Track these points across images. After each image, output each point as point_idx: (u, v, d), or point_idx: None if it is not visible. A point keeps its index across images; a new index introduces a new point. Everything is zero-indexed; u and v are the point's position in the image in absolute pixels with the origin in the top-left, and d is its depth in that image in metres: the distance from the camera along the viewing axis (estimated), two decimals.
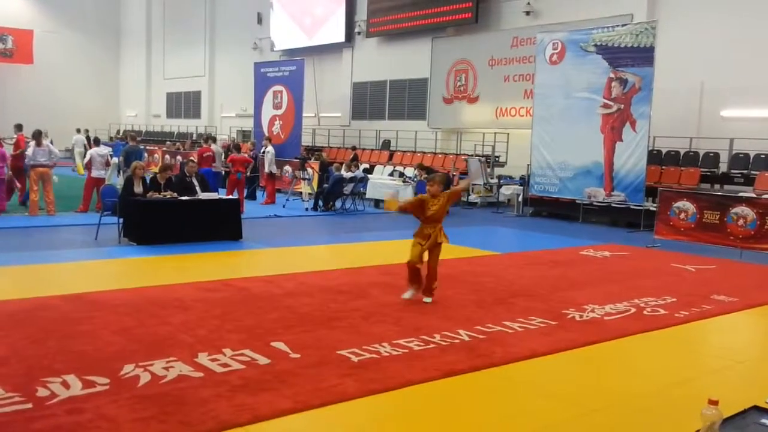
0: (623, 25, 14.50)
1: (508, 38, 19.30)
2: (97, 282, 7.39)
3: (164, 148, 25.28)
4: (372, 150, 22.94)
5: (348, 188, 15.78)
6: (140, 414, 3.83)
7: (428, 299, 6.83)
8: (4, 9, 33.96)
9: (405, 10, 22.13)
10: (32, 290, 6.73)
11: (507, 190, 17.35)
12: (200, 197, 10.71)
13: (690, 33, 15.41)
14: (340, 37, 24.78)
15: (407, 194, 15.97)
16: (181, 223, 10.16)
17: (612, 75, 14.36)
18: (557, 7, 18.20)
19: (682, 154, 15.35)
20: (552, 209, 16.08)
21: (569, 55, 15.16)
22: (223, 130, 30.64)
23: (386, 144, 23.10)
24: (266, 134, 20.79)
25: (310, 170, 17.20)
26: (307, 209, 15.72)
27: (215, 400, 4.07)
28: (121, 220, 10.12)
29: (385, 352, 5.14)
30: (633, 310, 6.87)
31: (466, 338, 5.59)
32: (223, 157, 18.16)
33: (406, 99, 23.24)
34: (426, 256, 6.85)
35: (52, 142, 14.44)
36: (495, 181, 18.26)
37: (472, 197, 18.20)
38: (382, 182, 17.28)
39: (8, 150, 14.33)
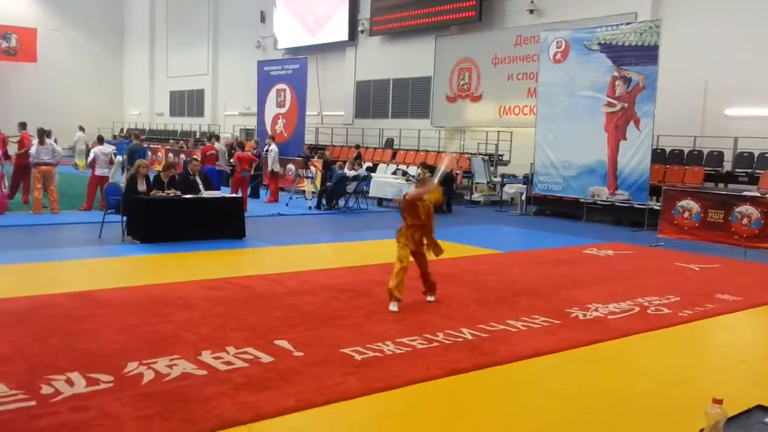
0: (627, 24, 14.46)
1: (512, 36, 19.27)
2: (101, 280, 7.41)
3: (167, 147, 25.31)
4: (375, 148, 22.93)
5: (351, 187, 15.77)
6: (144, 412, 3.84)
7: (432, 298, 6.81)
8: (7, 7, 34.03)
9: (408, 8, 22.11)
10: (36, 288, 6.75)
11: (510, 189, 17.33)
12: (203, 195, 10.71)
13: (694, 31, 15.36)
14: (344, 35, 24.78)
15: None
16: (184, 222, 10.17)
17: (616, 73, 14.32)
18: (561, 6, 18.17)
19: (686, 153, 15.31)
20: (555, 208, 16.05)
21: (573, 53, 15.13)
22: (226, 128, 30.66)
23: (389, 142, 23.09)
24: (269, 133, 20.80)
25: (313, 169, 17.20)
26: (310, 208, 15.71)
27: (218, 398, 4.07)
28: (125, 218, 10.13)
29: (388, 350, 5.14)
30: (637, 309, 6.86)
31: (470, 337, 5.59)
32: (226, 155, 18.18)
33: (409, 97, 23.23)
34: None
35: (56, 141, 14.47)
36: (498, 179, 18.24)
37: (476, 196, 18.19)
38: (385, 181, 17.26)
39: (13, 148, 14.36)
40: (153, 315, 5.90)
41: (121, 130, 32.28)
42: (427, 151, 20.97)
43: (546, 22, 17.91)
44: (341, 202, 15.91)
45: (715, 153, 14.85)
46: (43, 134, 12.89)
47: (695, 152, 15.19)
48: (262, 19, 28.89)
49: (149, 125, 35.69)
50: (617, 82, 14.31)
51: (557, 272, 8.79)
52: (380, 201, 17.11)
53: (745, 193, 11.78)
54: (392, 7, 22.71)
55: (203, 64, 32.74)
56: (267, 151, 17.27)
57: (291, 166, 19.03)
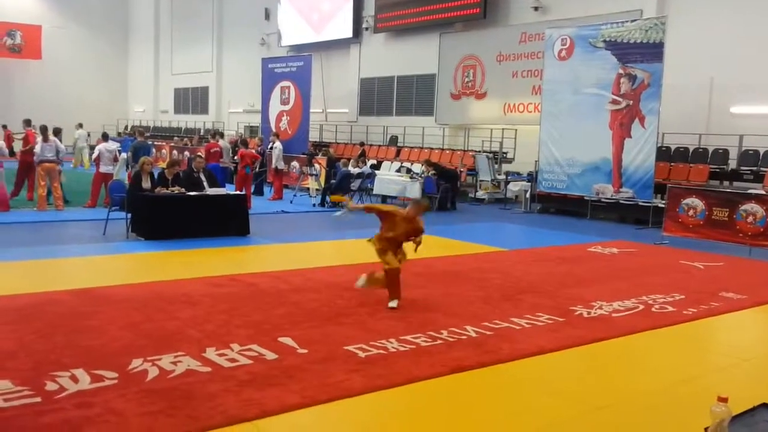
0: (632, 21, 14.41)
1: (517, 34, 19.23)
2: (105, 277, 7.43)
3: (172, 144, 25.34)
4: (379, 146, 22.92)
5: (355, 184, 15.77)
6: (148, 408, 3.85)
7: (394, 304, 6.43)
8: (12, 4, 34.11)
9: (413, 5, 22.08)
10: (40, 285, 6.76)
11: (515, 187, 17.30)
12: (208, 193, 10.72)
13: (700, 29, 15.31)
14: (348, 32, 24.76)
15: (415, 190, 15.98)
16: (188, 219, 10.19)
17: (621, 71, 14.28)
18: (566, 3, 18.13)
19: (691, 151, 15.26)
20: (560, 206, 16.03)
21: (578, 50, 15.09)
22: (230, 125, 30.69)
23: (394, 140, 23.08)
24: (273, 130, 20.81)
25: (317, 166, 17.20)
26: (314, 205, 15.72)
27: (223, 395, 4.08)
28: (129, 215, 10.15)
29: (392, 347, 5.14)
30: (641, 307, 6.85)
31: (473, 334, 5.59)
32: (230, 152, 18.19)
33: (413, 95, 23.22)
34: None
35: (61, 139, 14.51)
36: (503, 177, 18.22)
37: (480, 194, 18.17)
38: (389, 178, 17.26)
39: (17, 145, 14.39)
40: (157, 312, 5.91)
41: (126, 127, 32.33)
42: (432, 148, 20.95)
43: (551, 20, 17.86)
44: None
45: (720, 151, 14.80)
46: (47, 131, 12.92)
47: (700, 150, 15.15)
48: (267, 16, 28.89)
49: (153, 122, 35.74)
50: (622, 80, 14.26)
51: (561, 270, 8.78)
52: (384, 198, 17.09)
53: (750, 191, 11.75)
54: (396, 4, 22.69)
55: (208, 62, 32.77)
56: (271, 148, 17.28)
57: (295, 164, 19.04)
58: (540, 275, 8.32)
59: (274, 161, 16.98)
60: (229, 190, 12.75)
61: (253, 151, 18.03)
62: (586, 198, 15.16)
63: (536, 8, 18.88)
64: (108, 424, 3.63)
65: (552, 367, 5.02)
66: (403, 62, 23.14)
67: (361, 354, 4.95)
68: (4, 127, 24.44)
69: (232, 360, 4.71)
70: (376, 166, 19.73)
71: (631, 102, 14.17)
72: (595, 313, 6.52)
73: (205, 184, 10.93)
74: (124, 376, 4.31)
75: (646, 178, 14.01)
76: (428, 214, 15.37)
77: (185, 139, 26.28)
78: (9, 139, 15.47)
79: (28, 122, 14.44)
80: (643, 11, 15.82)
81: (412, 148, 21.60)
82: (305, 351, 4.97)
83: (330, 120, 25.84)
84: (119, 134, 27.95)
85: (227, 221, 10.57)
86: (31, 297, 6.24)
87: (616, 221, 14.75)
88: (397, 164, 19.92)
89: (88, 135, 24.79)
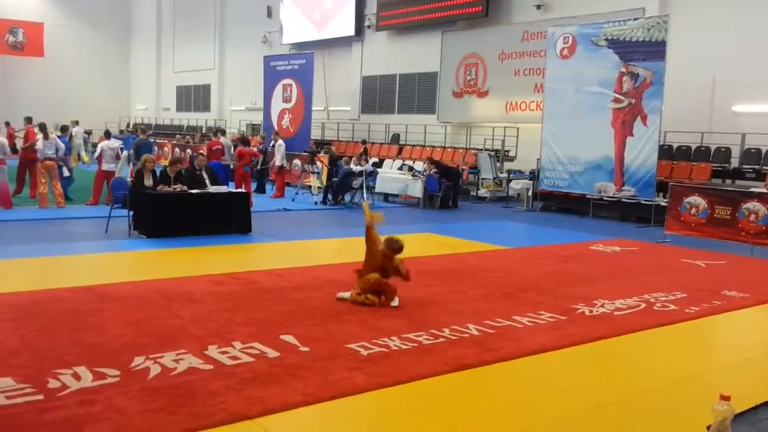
0: (635, 19, 14.39)
1: (519, 32, 19.21)
2: (108, 274, 7.44)
3: (174, 142, 25.35)
4: (381, 144, 22.91)
5: (357, 182, 15.77)
6: (150, 406, 3.85)
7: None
8: (15, 2, 34.13)
9: (415, 3, 22.05)
10: (43, 282, 6.77)
11: (517, 185, 17.29)
12: (210, 190, 10.73)
13: (702, 27, 15.28)
14: (350, 30, 24.74)
15: (417, 188, 15.98)
16: (190, 217, 10.19)
17: (623, 69, 14.26)
18: (568, 1, 18.09)
19: (693, 149, 15.24)
20: (562, 204, 16.02)
21: (580, 49, 15.07)
22: (232, 123, 30.69)
23: (396, 138, 23.07)
24: (275, 128, 20.81)
25: (319, 164, 17.20)
26: (316, 203, 15.73)
27: (225, 393, 4.08)
28: (131, 213, 10.16)
29: (395, 345, 5.14)
30: (643, 305, 6.84)
31: (476, 332, 5.59)
32: (232, 150, 18.20)
33: (415, 93, 23.20)
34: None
35: (69, 135, 14.62)
36: (505, 175, 18.20)
37: (482, 192, 18.16)
38: (391, 176, 17.26)
39: (19, 143, 14.41)
40: (159, 309, 5.91)
41: (128, 125, 32.35)
42: (434, 146, 20.94)
43: (553, 18, 17.84)
44: (347, 198, 15.91)
45: (723, 149, 14.78)
46: (46, 129, 12.98)
47: (702, 148, 15.13)
48: (269, 14, 28.87)
49: (156, 120, 35.75)
50: (624, 78, 14.24)
51: (563, 268, 8.77)
52: (386, 196, 17.10)
53: (752, 190, 11.73)
54: (399, 2, 22.66)
55: (210, 59, 32.76)
56: (276, 146, 17.25)
57: (297, 162, 19.04)
58: (542, 273, 8.32)
59: (278, 159, 16.97)
60: (231, 188, 12.76)
61: (255, 149, 18.05)
62: (588, 196, 15.14)
63: (538, 6, 18.84)
64: (110, 422, 3.64)
65: (554, 365, 5.02)
66: (406, 60, 23.12)
67: (364, 352, 4.96)
68: (7, 124, 24.48)
69: (234, 358, 4.71)
70: (378, 164, 19.73)
71: (633, 100, 14.15)
72: (597, 311, 6.52)
73: (207, 181, 10.94)
74: (126, 374, 4.32)
75: (648, 176, 13.99)
76: (430, 212, 15.47)
77: (187, 137, 26.31)
78: (11, 137, 15.50)
79: (29, 120, 14.46)
80: (646, 9, 15.77)
81: (414, 146, 21.59)
82: (307, 349, 4.97)
83: (332, 118, 25.83)
84: (121, 132, 27.97)
85: (229, 219, 10.58)
86: (34, 294, 6.25)
87: (618, 219, 14.74)
88: (399, 162, 19.92)
89: (89, 134, 24.80)
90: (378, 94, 24.55)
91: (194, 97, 34.78)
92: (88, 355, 4.62)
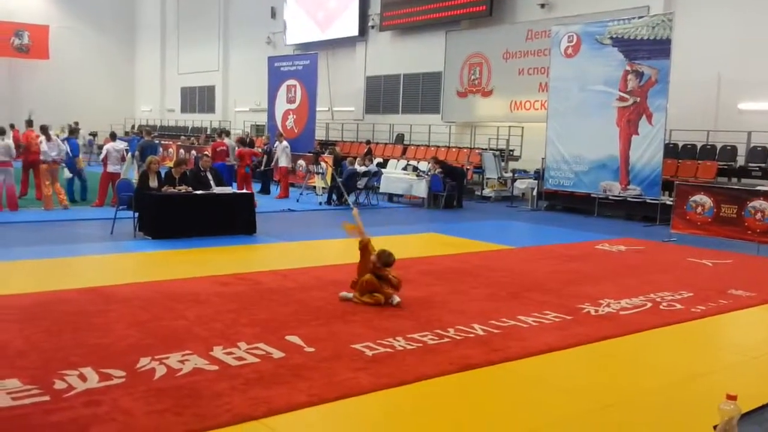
0: (639, 18, 14.35)
1: (523, 31, 19.19)
2: (113, 276, 7.45)
3: (179, 143, 25.40)
4: (386, 144, 22.91)
5: (362, 182, 15.78)
6: (156, 407, 3.86)
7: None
8: (20, 5, 34.25)
9: (419, 3, 22.05)
10: (48, 284, 6.79)
11: (521, 184, 17.28)
12: (214, 191, 10.75)
13: (707, 25, 15.23)
14: (354, 30, 24.75)
15: (421, 188, 15.97)
16: (195, 218, 10.21)
17: (628, 68, 14.22)
18: (572, 0, 18.06)
19: (698, 148, 15.19)
20: (567, 203, 15.99)
21: (585, 47, 15.04)
22: (237, 124, 30.74)
23: (400, 138, 23.06)
24: (279, 129, 20.84)
25: (323, 164, 17.21)
26: (320, 203, 15.73)
27: (230, 394, 4.09)
28: (137, 214, 10.18)
29: (399, 346, 5.13)
30: (649, 304, 6.82)
31: (481, 332, 5.58)
32: (236, 151, 18.23)
33: (419, 93, 23.19)
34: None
35: (77, 137, 14.72)
36: (509, 175, 18.18)
37: (487, 191, 18.15)
38: (396, 176, 17.26)
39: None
40: (165, 310, 5.92)
41: (133, 127, 32.44)
42: (438, 146, 20.93)
43: (557, 17, 17.82)
44: (351, 198, 15.91)
45: (729, 147, 14.73)
46: (47, 131, 13.06)
47: (708, 147, 15.07)
48: (273, 14, 28.91)
49: (160, 121, 35.83)
50: (629, 77, 14.21)
51: (568, 268, 8.75)
52: (391, 197, 17.10)
53: (758, 188, 11.68)
54: (402, 2, 22.66)
55: (214, 61, 32.82)
56: (283, 147, 17.23)
57: (302, 162, 19.05)
58: (547, 273, 8.30)
59: (285, 160, 16.96)
60: (235, 189, 12.78)
61: (259, 149, 18.08)
62: (593, 195, 15.12)
63: (542, 5, 18.82)
64: (116, 423, 3.64)
65: (559, 364, 5.01)
66: (410, 60, 23.12)
67: (368, 352, 4.95)
68: (12, 126, 24.56)
69: (240, 358, 4.72)
70: (383, 165, 19.74)
71: (638, 99, 14.11)
72: (602, 311, 6.50)
73: (211, 182, 10.96)
74: (132, 375, 4.32)
75: (653, 175, 13.95)
76: (435, 212, 15.46)
77: (192, 138, 26.35)
78: (17, 139, 15.59)
79: (29, 123, 14.54)
80: (650, 8, 15.75)
81: (418, 146, 21.59)
82: (312, 349, 4.97)
83: (336, 118, 25.84)
84: (126, 133, 28.07)
85: (234, 220, 10.59)
86: (39, 296, 6.27)
87: (624, 219, 14.71)
88: (403, 162, 19.91)
89: (95, 136, 24.88)
90: (382, 94, 24.55)
91: (199, 99, 34.85)
92: (94, 356, 4.63)
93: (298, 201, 15.82)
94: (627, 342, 5.62)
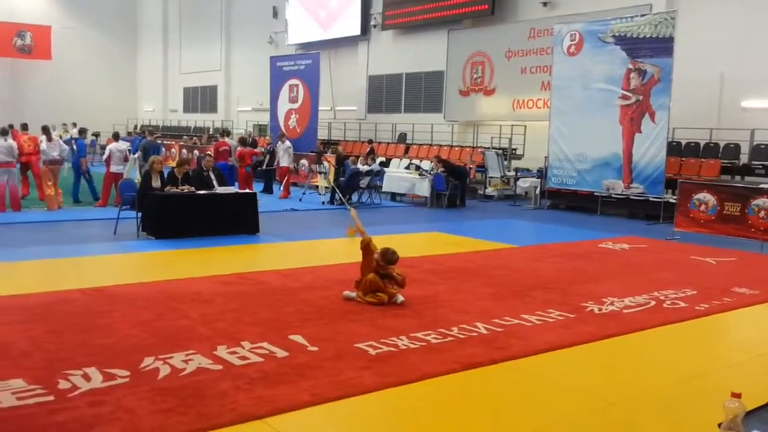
0: (642, 16, 14.34)
1: (525, 30, 19.17)
2: (117, 276, 7.46)
3: (181, 143, 25.42)
4: (388, 143, 22.92)
5: (364, 182, 15.77)
6: (160, 406, 3.86)
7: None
8: (22, 5, 34.32)
9: (420, 2, 22.05)
10: (52, 284, 6.80)
11: (524, 183, 17.26)
12: (217, 191, 10.75)
13: (709, 23, 15.20)
14: (356, 30, 24.75)
15: (424, 187, 15.97)
16: (198, 218, 10.22)
17: (631, 66, 14.21)
18: None
19: (702, 146, 15.17)
20: (570, 202, 15.97)
21: (587, 46, 15.02)
22: (239, 124, 30.77)
23: (402, 137, 23.06)
24: (281, 129, 20.84)
25: (326, 164, 17.21)
26: (323, 203, 15.73)
27: (234, 393, 4.09)
28: (140, 214, 10.19)
29: (403, 345, 5.13)
30: (652, 303, 6.81)
31: (484, 331, 5.57)
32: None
33: (422, 92, 23.18)
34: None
35: (86, 137, 14.80)
36: (512, 173, 18.17)
37: (489, 190, 18.14)
38: (398, 175, 17.25)
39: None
40: (168, 310, 5.93)
41: (135, 127, 32.48)
42: (440, 145, 20.92)
43: (559, 15, 17.80)
44: (354, 197, 15.92)
45: (732, 145, 14.70)
46: (49, 131, 13.10)
47: (711, 145, 15.05)
48: (275, 14, 28.92)
49: (163, 122, 35.86)
50: (632, 75, 14.19)
51: (572, 266, 8.74)
52: (393, 196, 17.10)
53: (761, 186, 11.65)
54: (404, 1, 22.65)
55: (216, 60, 32.85)
56: (286, 147, 17.22)
57: (304, 162, 19.06)
58: (550, 272, 8.29)
59: (285, 160, 16.95)
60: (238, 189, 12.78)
61: (261, 149, 18.07)
62: (596, 194, 15.10)
63: (545, 4, 18.80)
64: (120, 422, 3.65)
65: (563, 363, 5.00)
66: (412, 59, 23.11)
67: (372, 351, 4.95)
68: (11, 126, 24.59)
69: (243, 358, 4.72)
70: (385, 164, 19.73)
71: (641, 97, 14.09)
72: (606, 309, 6.49)
73: (214, 182, 10.97)
74: (136, 375, 4.33)
75: (656, 173, 13.93)
76: (438, 211, 15.45)
77: (194, 138, 26.36)
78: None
79: (24, 126, 14.63)
80: (653, 6, 15.72)
81: (420, 145, 21.58)
82: (316, 348, 4.97)
83: (338, 118, 25.85)
84: (129, 134, 28.09)
85: (237, 220, 10.59)
86: (43, 296, 6.28)
87: (627, 217, 14.69)
88: (406, 161, 19.91)
89: (97, 136, 24.89)
90: (384, 94, 24.54)
91: (201, 99, 34.88)
92: (98, 356, 4.64)
93: (300, 200, 15.82)
94: (631, 340, 5.62)
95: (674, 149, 15.10)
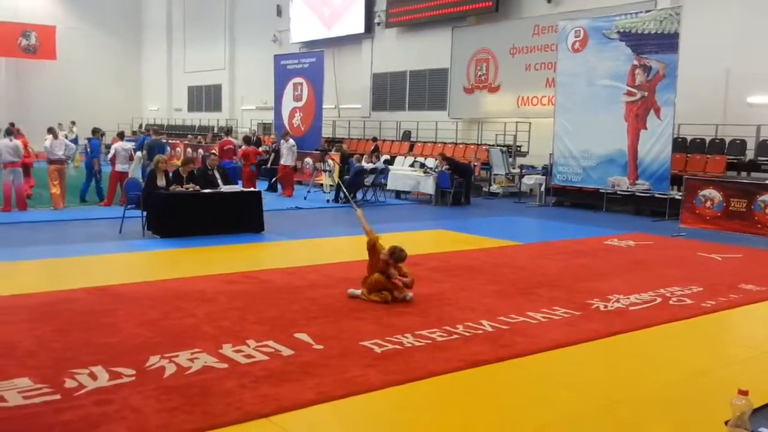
0: (647, 12, 14.28)
1: (530, 26, 19.11)
2: (122, 275, 7.48)
3: (186, 142, 25.45)
4: (393, 141, 22.89)
5: (369, 180, 15.77)
6: (166, 405, 3.87)
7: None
8: (26, 5, 34.36)
9: None
10: (58, 283, 6.82)
11: (529, 180, 17.23)
12: (222, 190, 10.77)
13: (715, 18, 15.12)
14: (360, 28, 24.71)
15: (429, 185, 15.96)
16: (203, 216, 10.23)
17: (636, 62, 14.16)
18: None
19: (707, 142, 15.11)
20: (575, 199, 15.94)
21: (592, 42, 14.98)
22: (243, 123, 30.77)
23: (407, 135, 23.03)
24: (285, 127, 20.85)
25: (330, 162, 17.21)
26: (328, 201, 15.74)
27: (239, 391, 4.09)
28: (145, 213, 10.21)
29: (408, 343, 5.13)
30: (658, 299, 6.79)
31: (489, 329, 5.57)
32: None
33: (426, 89, 23.14)
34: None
35: (102, 139, 14.85)
36: (517, 171, 18.14)
37: (494, 188, 18.11)
38: (403, 173, 17.25)
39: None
40: (174, 309, 5.94)
41: (140, 126, 32.53)
42: (445, 143, 20.89)
43: (564, 11, 17.73)
44: (359, 195, 15.91)
45: (738, 141, 14.64)
46: (54, 130, 13.15)
47: (717, 141, 14.99)
48: (279, 13, 28.91)
49: (167, 121, 35.91)
50: (637, 71, 14.14)
51: (577, 263, 8.72)
52: (398, 193, 17.09)
53: (767, 182, 11.62)
54: None
55: (220, 59, 32.86)
56: (289, 146, 17.22)
57: (309, 160, 19.06)
58: (555, 269, 8.28)
59: (288, 159, 16.95)
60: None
61: (267, 148, 18.08)
62: (601, 191, 15.06)
63: (549, 0, 18.73)
64: (126, 421, 3.66)
65: (569, 361, 4.99)
66: (416, 57, 23.06)
67: (377, 349, 4.95)
68: (12, 125, 24.68)
69: (249, 356, 4.72)
70: (390, 162, 19.72)
71: (646, 93, 14.05)
72: (611, 306, 6.47)
73: (219, 181, 10.98)
74: (142, 373, 4.34)
75: (662, 169, 13.89)
76: (443, 209, 15.44)
77: (199, 137, 26.40)
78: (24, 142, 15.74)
79: (17, 130, 14.72)
80: (658, 1, 15.65)
81: (425, 142, 21.54)
82: (321, 347, 4.97)
83: (343, 116, 25.83)
84: (134, 133, 28.16)
85: (241, 218, 10.61)
86: (49, 295, 6.30)
87: (632, 214, 14.65)
88: (410, 159, 19.89)
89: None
90: (388, 91, 24.51)
91: (205, 97, 34.90)
92: (104, 355, 4.65)
93: (305, 199, 15.82)
94: (637, 337, 5.60)
95: (680, 145, 15.04)
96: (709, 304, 6.66)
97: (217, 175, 11.09)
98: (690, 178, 12.19)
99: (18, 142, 12.75)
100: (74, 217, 11.95)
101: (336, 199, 15.65)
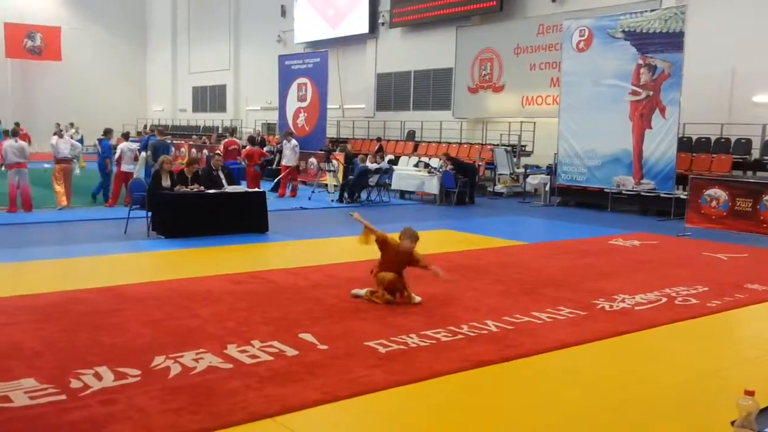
0: (652, 11, 14.24)
1: (534, 26, 19.08)
2: (127, 275, 7.49)
3: (190, 142, 25.50)
4: (397, 141, 22.89)
5: (373, 180, 15.77)
6: (171, 405, 3.87)
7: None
8: (31, 6, 34.50)
9: None
10: (63, 284, 6.83)
11: (534, 180, 17.20)
12: (227, 190, 10.78)
13: (720, 17, 15.07)
14: (364, 28, 24.72)
15: (433, 185, 15.95)
16: (208, 217, 10.24)
17: (640, 61, 14.12)
18: None
19: (713, 141, 15.06)
20: (580, 198, 15.90)
21: (596, 41, 14.94)
22: (248, 123, 30.83)
23: (411, 135, 23.03)
24: (289, 127, 20.84)
25: (335, 162, 17.21)
26: (332, 201, 15.74)
27: (244, 391, 4.10)
28: (150, 213, 10.23)
29: (413, 343, 5.12)
30: (664, 299, 6.77)
31: (494, 329, 5.56)
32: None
33: (430, 89, 23.14)
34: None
35: (110, 139, 14.90)
36: (521, 170, 18.11)
37: (499, 187, 18.09)
38: (407, 173, 17.24)
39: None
40: (179, 309, 5.95)
41: (145, 127, 32.61)
42: (449, 142, 20.88)
43: (568, 11, 17.71)
44: (363, 196, 15.91)
45: (743, 140, 14.58)
46: (60, 130, 13.19)
47: (722, 140, 14.93)
48: (283, 13, 28.95)
49: (172, 121, 35.98)
50: (642, 70, 14.10)
51: (582, 263, 8.70)
52: (403, 194, 17.08)
53: None
54: None
55: (225, 60, 32.92)
56: (292, 147, 17.22)
57: (313, 160, 19.07)
58: (561, 269, 8.26)
59: (291, 159, 16.95)
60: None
61: (271, 148, 18.09)
62: (606, 190, 15.03)
63: (553, 0, 18.71)
64: (131, 421, 3.66)
65: (574, 361, 4.98)
66: (420, 57, 23.06)
67: (382, 349, 4.95)
68: (17, 124, 24.77)
69: (254, 356, 4.73)
70: (394, 162, 19.72)
71: (651, 92, 14.01)
72: (617, 306, 6.46)
73: (223, 181, 11.00)
74: (147, 373, 4.35)
75: (667, 169, 13.85)
76: (448, 208, 15.41)
77: (203, 138, 26.44)
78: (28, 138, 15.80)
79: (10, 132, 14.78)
80: (662, 0, 15.61)
81: (429, 142, 21.54)
82: (326, 347, 4.97)
83: (347, 116, 25.85)
84: (139, 133, 28.20)
85: (246, 219, 10.61)
86: (54, 296, 6.31)
87: (638, 213, 14.61)
88: (415, 159, 19.89)
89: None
90: (393, 91, 24.52)
91: (210, 98, 34.97)
92: (109, 355, 4.66)
93: (310, 199, 15.83)
94: (642, 337, 5.59)
95: (685, 145, 15.00)
96: (715, 304, 6.64)
97: (222, 176, 11.10)
98: (695, 177, 12.15)
99: (23, 144, 12.79)
100: (79, 217, 11.98)
101: (340, 200, 15.65)
